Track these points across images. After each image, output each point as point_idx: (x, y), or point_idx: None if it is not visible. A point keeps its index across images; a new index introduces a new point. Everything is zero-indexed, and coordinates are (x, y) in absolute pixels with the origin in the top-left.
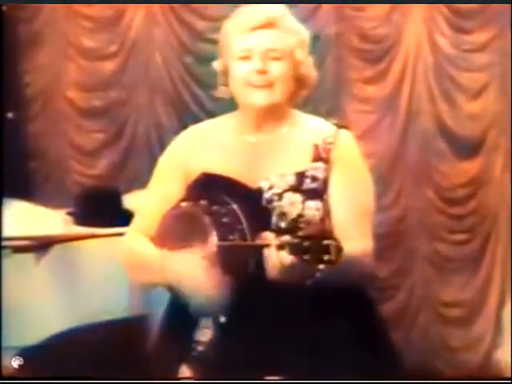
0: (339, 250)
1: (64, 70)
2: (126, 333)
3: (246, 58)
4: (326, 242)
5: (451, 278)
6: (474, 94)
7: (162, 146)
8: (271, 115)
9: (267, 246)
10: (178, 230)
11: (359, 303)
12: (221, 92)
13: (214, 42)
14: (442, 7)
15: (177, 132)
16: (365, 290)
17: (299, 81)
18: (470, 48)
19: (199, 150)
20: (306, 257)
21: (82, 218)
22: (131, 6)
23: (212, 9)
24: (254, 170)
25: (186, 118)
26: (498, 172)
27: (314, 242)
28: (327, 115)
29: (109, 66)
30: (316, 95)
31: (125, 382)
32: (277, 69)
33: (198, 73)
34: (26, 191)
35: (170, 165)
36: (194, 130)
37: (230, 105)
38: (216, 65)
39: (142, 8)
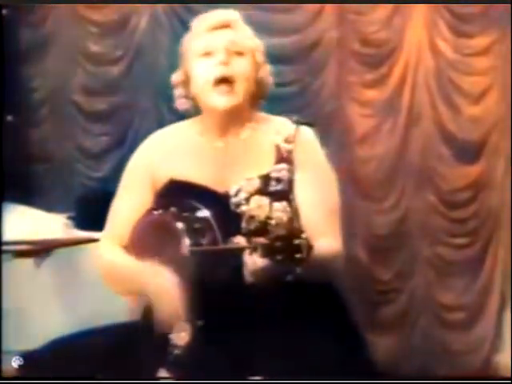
0: (310, 247)
1: (71, 74)
2: (127, 337)
3: (208, 54)
4: (296, 241)
5: (452, 282)
6: (475, 98)
7: None
8: (234, 118)
9: (239, 249)
10: (150, 238)
11: (332, 301)
12: (181, 104)
13: None
14: (444, 11)
15: None
16: (335, 286)
17: (258, 85)
18: (471, 52)
19: (165, 155)
20: (279, 257)
21: (82, 222)
22: (136, 11)
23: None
24: (221, 174)
25: None
26: (499, 176)
27: (285, 242)
28: (328, 119)
29: (114, 71)
30: (317, 99)
31: (125, 383)
32: (239, 64)
33: None
34: (28, 195)
35: (137, 172)
36: (158, 136)
37: None
38: (175, 76)
39: (146, 13)
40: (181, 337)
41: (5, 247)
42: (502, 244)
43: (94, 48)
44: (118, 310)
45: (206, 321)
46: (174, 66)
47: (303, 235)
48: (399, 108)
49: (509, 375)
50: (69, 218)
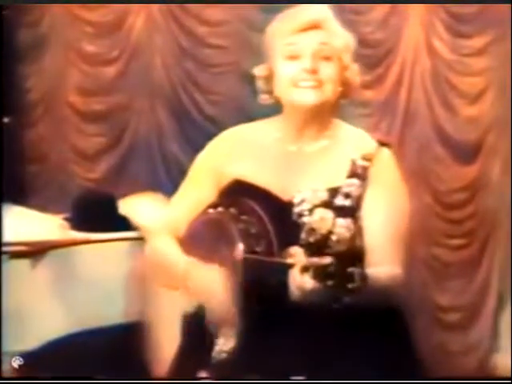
0: (364, 277)
1: (66, 74)
2: (123, 339)
3: (294, 57)
4: (350, 269)
5: (449, 283)
6: (472, 98)
7: (162, 151)
8: (316, 121)
9: (293, 265)
10: (204, 237)
11: (386, 325)
12: (264, 99)
13: (214, 47)
14: (441, 11)
15: (177, 136)
16: (394, 311)
17: (343, 86)
18: (467, 52)
19: (235, 154)
20: (330, 283)
21: (78, 223)
22: (132, 12)
23: (212, 14)
24: (288, 180)
25: (186, 122)
26: (495, 176)
27: (339, 268)
28: None
29: (110, 71)
30: None
31: (125, 382)
32: (327, 69)
33: (198, 78)
34: (24, 196)
35: (204, 167)
36: (232, 133)
37: (231, 110)
38: (259, 70)
39: (142, 13)
40: (226, 342)
41: (2, 248)
42: (498, 245)
43: (90, 48)
44: (115, 311)
45: (251, 327)
46: (169, 66)
47: (358, 264)
48: (396, 108)
49: (507, 375)
50: (64, 219)
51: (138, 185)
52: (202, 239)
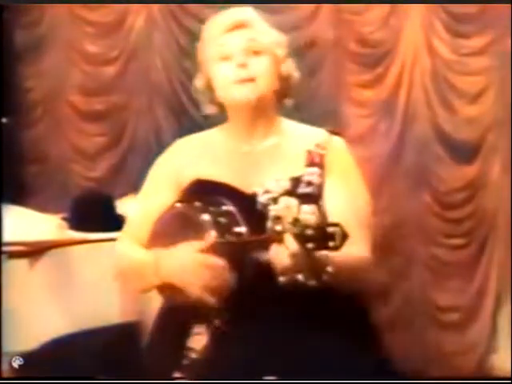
0: (344, 236)
1: (66, 74)
2: (121, 339)
3: (226, 58)
4: (330, 229)
5: (448, 283)
6: (472, 98)
7: (161, 150)
8: (260, 119)
9: (268, 240)
10: (173, 231)
11: (354, 309)
12: (207, 109)
13: None
14: (440, 12)
15: (176, 135)
16: (360, 297)
17: (281, 81)
18: (467, 52)
19: (192, 159)
20: (310, 245)
21: (76, 223)
22: (132, 11)
23: (212, 13)
24: (247, 177)
25: (185, 122)
26: (495, 176)
27: (318, 229)
28: (324, 119)
29: (110, 71)
30: (314, 99)
31: (123, 382)
32: (258, 63)
33: None
34: (23, 196)
35: (162, 174)
36: (186, 141)
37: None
38: (197, 83)
39: (142, 13)
40: (198, 340)
41: (1, 248)
42: (497, 245)
43: (90, 48)
44: (113, 311)
45: (223, 320)
46: (168, 66)
47: (338, 224)
48: (395, 108)
49: (506, 376)
50: (62, 218)
51: (137, 184)
52: (171, 233)
